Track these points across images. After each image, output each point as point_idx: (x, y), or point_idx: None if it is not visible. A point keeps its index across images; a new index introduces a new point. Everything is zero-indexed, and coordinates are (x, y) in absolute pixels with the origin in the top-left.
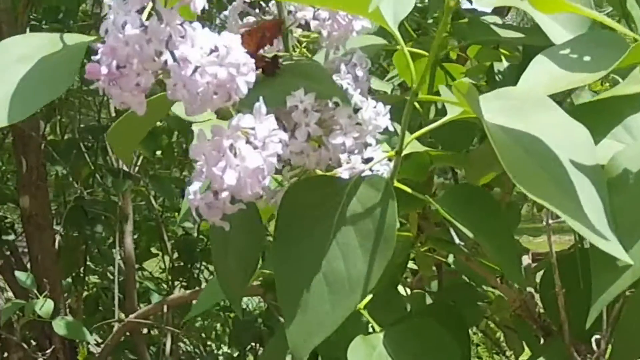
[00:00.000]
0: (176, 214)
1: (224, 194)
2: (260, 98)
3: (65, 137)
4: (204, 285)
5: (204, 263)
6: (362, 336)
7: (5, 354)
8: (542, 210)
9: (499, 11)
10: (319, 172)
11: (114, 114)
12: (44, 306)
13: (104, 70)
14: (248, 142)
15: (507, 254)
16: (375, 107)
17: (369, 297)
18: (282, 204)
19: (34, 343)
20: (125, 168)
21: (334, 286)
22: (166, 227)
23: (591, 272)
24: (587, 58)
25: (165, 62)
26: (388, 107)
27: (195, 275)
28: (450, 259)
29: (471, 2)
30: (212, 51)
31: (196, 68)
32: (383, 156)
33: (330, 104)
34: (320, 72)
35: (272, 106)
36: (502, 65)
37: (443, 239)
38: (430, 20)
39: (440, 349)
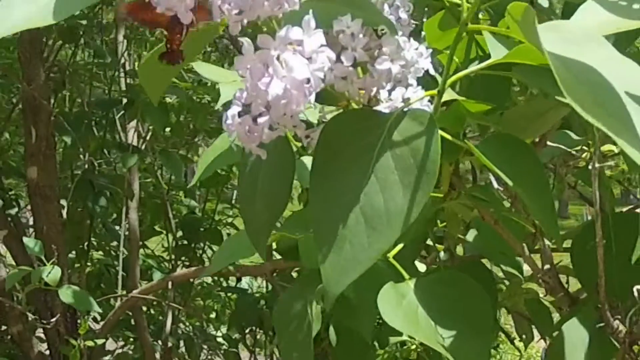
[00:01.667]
0: (182, 192)
1: (264, 118)
2: (310, 11)
3: (74, 110)
4: (207, 264)
5: (207, 242)
6: (391, 283)
7: (4, 327)
8: None
9: None
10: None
11: (124, 88)
12: (52, 273)
13: None
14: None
15: (546, 206)
16: (417, 48)
17: (399, 247)
18: (321, 137)
19: (33, 317)
20: (134, 143)
21: (372, 221)
22: (171, 205)
23: None
24: (636, 6)
25: None
26: (430, 50)
27: (199, 255)
28: (469, 236)
29: None
30: None
31: None
32: (423, 94)
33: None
34: (365, 0)
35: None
36: None
37: (476, 196)
38: None
39: (471, 301)
